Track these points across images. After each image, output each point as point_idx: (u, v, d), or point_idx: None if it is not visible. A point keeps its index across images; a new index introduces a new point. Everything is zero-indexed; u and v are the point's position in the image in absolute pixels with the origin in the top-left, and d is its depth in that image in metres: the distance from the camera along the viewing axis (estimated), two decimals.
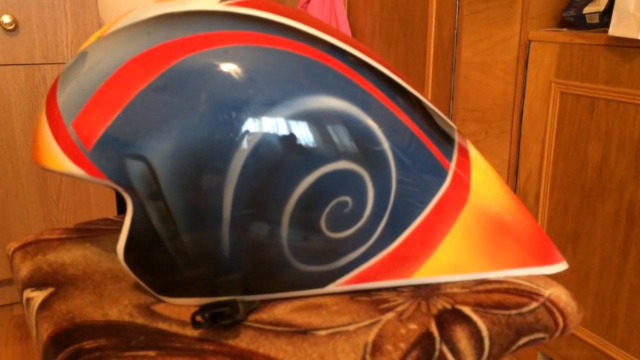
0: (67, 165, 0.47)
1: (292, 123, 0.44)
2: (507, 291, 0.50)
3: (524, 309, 0.48)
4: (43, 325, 0.47)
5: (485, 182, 0.51)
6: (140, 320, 0.46)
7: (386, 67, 0.50)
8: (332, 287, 0.48)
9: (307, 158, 0.44)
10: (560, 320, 0.49)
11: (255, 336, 0.44)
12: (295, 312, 0.47)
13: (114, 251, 0.58)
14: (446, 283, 0.50)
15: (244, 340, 0.43)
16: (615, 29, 0.99)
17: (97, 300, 0.49)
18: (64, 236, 0.62)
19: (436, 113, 0.51)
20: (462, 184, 0.50)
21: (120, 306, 0.48)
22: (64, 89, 0.48)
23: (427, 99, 0.52)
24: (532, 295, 0.50)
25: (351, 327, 0.44)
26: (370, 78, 0.47)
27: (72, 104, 0.47)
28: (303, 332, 0.44)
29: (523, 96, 1.23)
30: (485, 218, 0.50)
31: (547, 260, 0.52)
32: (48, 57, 1.34)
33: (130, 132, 0.45)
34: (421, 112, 0.49)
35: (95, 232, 0.63)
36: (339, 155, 0.45)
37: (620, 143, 1.01)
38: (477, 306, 0.47)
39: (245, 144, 0.44)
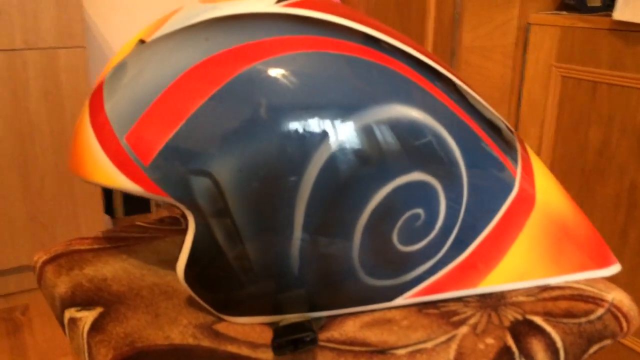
0: (120, 180, 0.44)
1: (366, 134, 0.42)
2: (572, 298, 0.49)
3: (592, 317, 0.48)
4: (100, 350, 0.44)
5: (547, 186, 0.50)
6: (206, 342, 0.44)
7: (446, 69, 0.48)
8: (399, 301, 0.47)
9: (381, 170, 0.43)
10: (624, 325, 0.49)
11: (334, 358, 0.42)
12: (367, 329, 0.45)
13: (155, 263, 0.55)
14: (511, 291, 0.50)
15: None
16: (621, 13, 0.99)
17: (154, 321, 0.46)
18: (96, 246, 0.59)
19: (496, 116, 0.50)
20: (528, 190, 0.49)
21: (180, 327, 0.46)
22: (112, 98, 0.45)
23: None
24: (596, 300, 0.49)
25: (429, 345, 0.43)
26: (438, 84, 0.46)
27: (125, 116, 0.44)
28: (381, 351, 0.43)
29: (522, 80, 1.22)
30: (549, 223, 0.49)
31: (604, 263, 0.52)
32: (29, 42, 1.27)
33: (193, 146, 0.42)
34: (485, 118, 0.48)
35: (128, 241, 0.60)
36: (412, 166, 0.43)
37: (622, 127, 1.02)
38: (548, 315, 0.47)
39: (318, 157, 0.42)
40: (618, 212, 1.05)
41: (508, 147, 0.49)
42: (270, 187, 0.42)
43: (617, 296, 0.50)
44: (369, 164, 0.42)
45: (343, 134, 0.42)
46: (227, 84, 0.42)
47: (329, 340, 0.44)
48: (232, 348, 0.43)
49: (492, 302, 0.49)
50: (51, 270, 0.55)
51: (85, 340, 0.46)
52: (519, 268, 0.49)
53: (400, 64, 0.45)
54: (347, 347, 0.43)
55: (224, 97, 0.42)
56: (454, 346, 0.43)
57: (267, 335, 0.45)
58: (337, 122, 0.42)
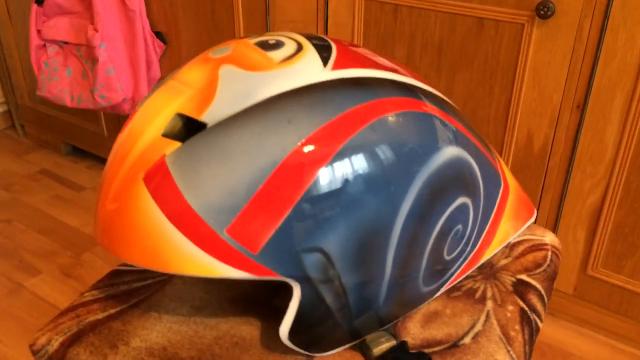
0: (222, 270, 0.45)
1: (433, 179, 0.49)
2: (531, 249, 0.66)
3: (547, 261, 0.65)
4: None
5: (503, 166, 0.63)
6: None
7: (446, 98, 0.56)
8: (437, 295, 0.58)
9: (442, 203, 0.51)
10: (560, 258, 0.67)
11: None
12: (428, 327, 0.56)
13: (192, 313, 0.56)
14: (493, 256, 0.64)
15: None
16: None
17: None
18: (112, 311, 0.57)
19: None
20: (504, 179, 0.61)
21: None
22: (197, 191, 0.44)
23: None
24: (543, 246, 0.66)
25: (478, 327, 0.56)
26: (453, 115, 0.54)
27: (223, 210, 0.44)
28: (454, 345, 0.54)
29: (327, 3, 1.31)
30: (514, 197, 0.63)
31: (532, 211, 0.68)
32: None
33: (303, 229, 0.45)
34: (471, 127, 0.58)
35: (138, 294, 0.58)
36: (458, 194, 0.52)
37: (423, 44, 1.19)
38: (527, 271, 0.63)
39: (403, 208, 0.48)
40: None
41: (487, 146, 0.60)
42: (369, 244, 0.47)
43: (549, 237, 0.68)
44: (435, 201, 0.50)
45: (419, 182, 0.48)
46: (327, 166, 0.45)
47: (412, 348, 0.54)
48: None
49: (488, 271, 0.62)
50: (88, 350, 0.53)
51: None
52: (501, 236, 0.62)
53: (432, 106, 0.52)
54: (429, 350, 0.53)
55: (327, 177, 0.45)
56: (494, 322, 0.56)
57: (359, 358, 0.53)
58: (415, 173, 0.48)
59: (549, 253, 0.66)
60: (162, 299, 0.58)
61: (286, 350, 0.53)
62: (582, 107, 1.10)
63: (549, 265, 0.64)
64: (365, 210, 0.46)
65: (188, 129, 0.46)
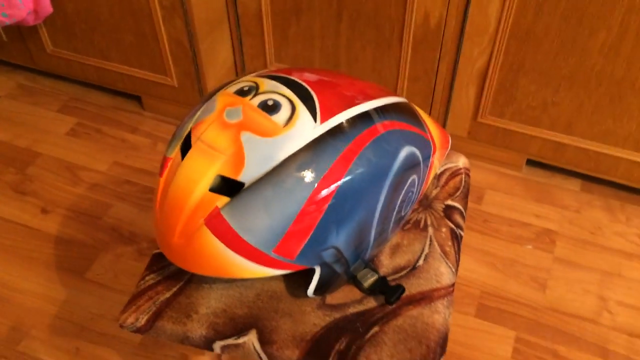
0: (272, 272, 0.69)
1: (396, 175, 0.72)
2: (452, 176, 0.92)
3: (463, 183, 0.92)
4: (284, 352, 0.74)
5: (429, 122, 0.86)
6: (337, 314, 0.77)
7: (389, 94, 0.76)
8: (396, 231, 0.84)
9: (401, 187, 0.75)
10: (470, 176, 0.94)
11: (409, 282, 0.80)
12: (393, 257, 0.83)
13: (227, 281, 0.80)
14: (427, 189, 0.90)
15: (414, 290, 0.79)
16: None
17: (295, 318, 0.76)
18: (174, 289, 0.79)
19: (403, 101, 0.81)
20: (432, 139, 0.84)
21: (312, 313, 0.77)
22: (248, 229, 0.65)
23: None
24: (459, 171, 0.93)
25: (426, 250, 0.83)
26: (398, 117, 0.75)
27: (268, 239, 0.66)
28: (413, 268, 0.82)
29: None
30: (437, 139, 0.86)
31: (448, 139, 0.93)
32: None
33: (323, 238, 0.68)
34: (404, 113, 0.79)
35: (184, 273, 0.81)
36: (410, 175, 0.76)
37: None
38: (451, 196, 0.89)
39: (380, 201, 0.71)
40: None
41: (417, 121, 0.81)
42: (361, 231, 0.71)
43: (462, 161, 0.94)
44: (398, 187, 0.74)
45: (389, 180, 0.71)
46: (335, 196, 0.67)
47: (395, 272, 0.81)
48: (353, 309, 0.77)
49: (425, 202, 0.89)
50: (170, 321, 0.76)
51: (264, 353, 0.75)
52: (433, 173, 0.87)
53: (384, 122, 0.73)
54: (397, 275, 0.81)
55: (335, 205, 0.67)
56: (435, 244, 0.84)
57: (355, 292, 0.79)
58: (386, 176, 0.71)
59: (463, 176, 0.92)
60: (201, 276, 0.80)
61: (307, 297, 0.78)
62: None
63: (464, 186, 0.91)
64: (358, 213, 0.69)
65: (230, 187, 0.65)
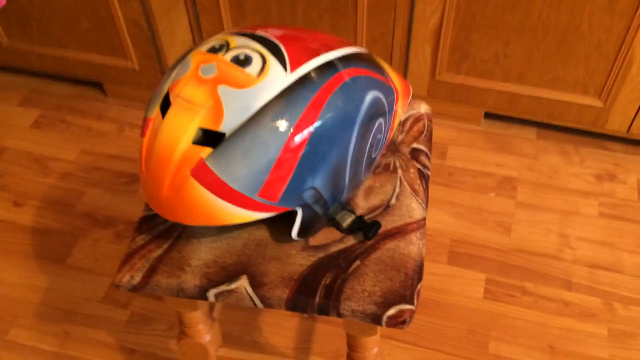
0: (258, 216, 0.74)
1: (364, 118, 0.77)
2: (415, 122, 0.97)
3: (427, 127, 0.97)
4: (275, 292, 0.79)
5: (391, 72, 0.91)
6: (321, 254, 0.82)
7: (351, 44, 0.81)
8: (368, 175, 0.89)
9: (369, 130, 0.80)
10: (432, 121, 1.00)
11: (384, 220, 0.85)
12: (367, 199, 0.88)
13: (216, 233, 0.84)
14: (393, 135, 0.95)
15: (389, 225, 0.84)
16: None
17: (282, 260, 0.81)
18: (165, 246, 0.82)
19: (364, 51, 0.86)
20: (394, 86, 0.90)
21: (296, 255, 0.82)
22: (232, 175, 0.69)
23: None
24: (422, 117, 0.98)
25: (397, 190, 0.89)
26: (361, 64, 0.80)
27: (252, 184, 0.71)
28: (387, 206, 0.87)
29: None
30: (399, 87, 0.92)
31: (409, 88, 0.99)
32: None
33: (302, 181, 0.73)
34: (366, 61, 0.84)
35: (175, 229, 0.84)
36: (377, 118, 0.81)
37: None
38: (416, 140, 0.95)
39: (352, 143, 0.76)
40: None
41: (380, 69, 0.86)
42: (337, 172, 0.76)
43: (424, 107, 1.00)
44: (366, 130, 0.79)
45: (358, 123, 0.76)
46: (309, 142, 0.71)
47: (362, 214, 0.86)
48: (334, 248, 0.83)
49: (393, 147, 0.94)
50: (165, 276, 0.80)
51: (256, 295, 0.79)
52: (397, 119, 0.93)
53: (348, 70, 0.77)
54: (373, 213, 0.86)
55: (310, 150, 0.72)
56: (405, 183, 0.90)
57: (335, 233, 0.84)
58: (355, 119, 0.76)
59: (426, 121, 0.98)
60: (193, 229, 0.85)
61: (291, 240, 0.83)
62: None
63: (427, 130, 0.97)
64: (332, 156, 0.74)
65: (212, 138, 0.70)
